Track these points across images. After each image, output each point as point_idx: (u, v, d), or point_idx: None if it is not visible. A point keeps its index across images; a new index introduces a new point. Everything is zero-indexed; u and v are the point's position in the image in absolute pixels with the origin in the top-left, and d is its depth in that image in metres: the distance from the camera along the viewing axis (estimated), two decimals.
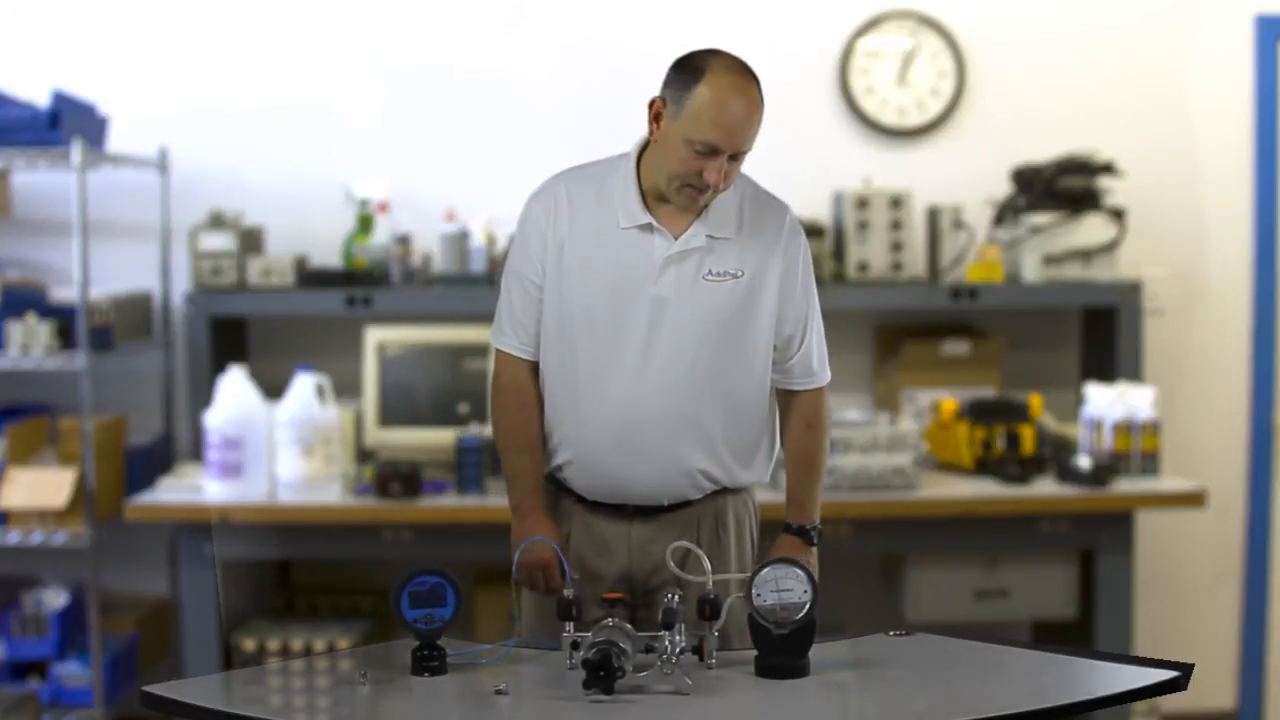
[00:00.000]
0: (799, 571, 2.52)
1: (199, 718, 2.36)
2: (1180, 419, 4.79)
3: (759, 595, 2.51)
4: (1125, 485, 4.35)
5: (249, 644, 4.41)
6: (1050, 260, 4.65)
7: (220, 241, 4.56)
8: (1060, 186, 4.63)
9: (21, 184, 4.79)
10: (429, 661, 2.51)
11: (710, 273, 2.84)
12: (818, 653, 2.53)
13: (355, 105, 4.82)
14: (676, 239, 2.83)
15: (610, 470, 2.88)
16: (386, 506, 4.23)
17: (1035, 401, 4.53)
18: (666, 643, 2.45)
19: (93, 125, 4.55)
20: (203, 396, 4.46)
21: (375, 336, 4.56)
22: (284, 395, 4.31)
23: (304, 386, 4.29)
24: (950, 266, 4.71)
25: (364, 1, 4.86)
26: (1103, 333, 4.74)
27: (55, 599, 4.56)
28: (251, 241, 4.67)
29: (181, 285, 4.74)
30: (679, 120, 2.73)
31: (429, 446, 4.45)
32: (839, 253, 4.69)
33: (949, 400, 4.56)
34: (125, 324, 4.58)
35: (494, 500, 4.14)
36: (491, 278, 4.49)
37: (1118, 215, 4.65)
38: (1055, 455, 4.47)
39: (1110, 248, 4.65)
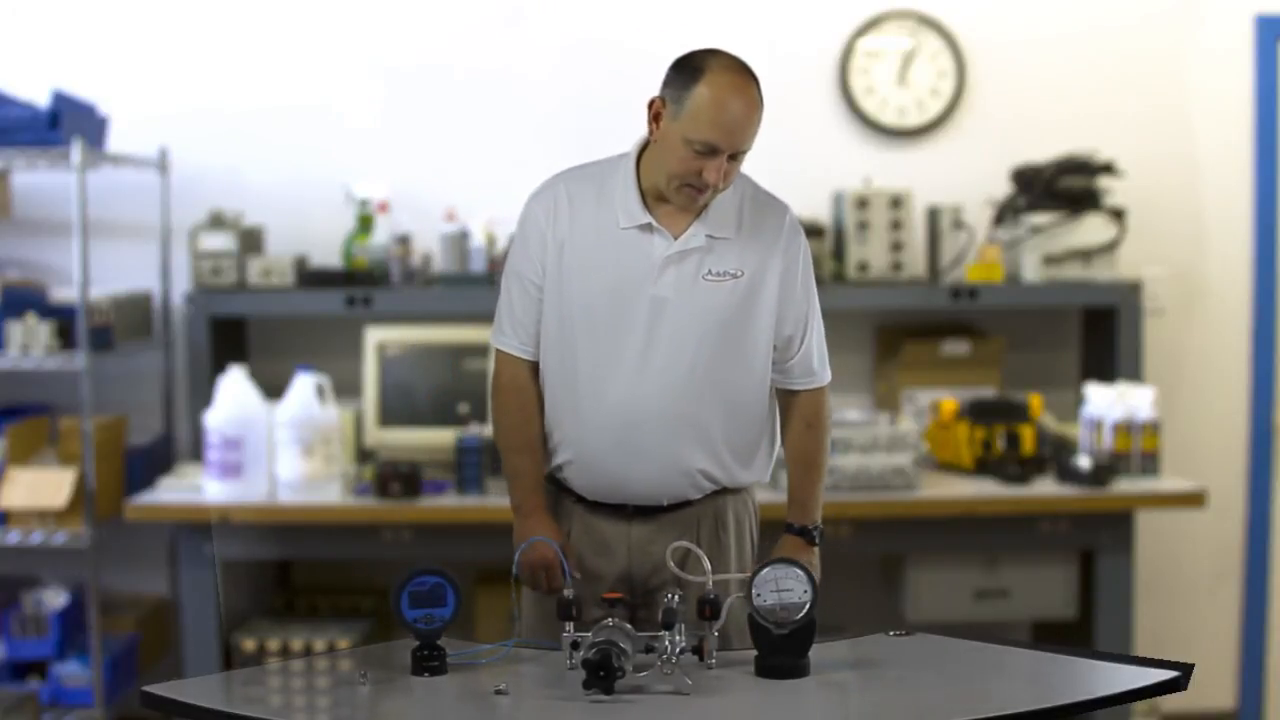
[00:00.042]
0: (799, 571, 2.51)
1: (199, 718, 2.36)
2: (1180, 419, 4.79)
3: (759, 595, 2.50)
4: (1125, 485, 4.34)
5: (249, 644, 4.41)
6: (1050, 260, 4.64)
7: (220, 241, 4.56)
8: (1060, 186, 4.63)
9: (21, 184, 4.79)
10: (429, 661, 2.50)
11: (710, 273, 2.84)
12: (818, 653, 2.53)
13: (355, 105, 4.82)
14: (676, 239, 2.83)
15: (610, 470, 2.88)
16: (386, 506, 4.23)
17: (1035, 401, 4.53)
18: (666, 643, 2.45)
19: (93, 125, 4.55)
20: (203, 396, 4.46)
21: (375, 336, 4.56)
22: (284, 395, 4.31)
23: (304, 386, 4.29)
24: (950, 266, 4.71)
25: (364, 1, 4.86)
26: (1103, 333, 4.74)
27: (55, 599, 4.56)
28: (251, 241, 4.67)
29: (181, 285, 4.74)
30: (678, 120, 2.73)
31: (429, 446, 4.45)
32: (839, 253, 4.69)
33: (949, 400, 4.56)
34: (125, 324, 4.57)
35: (494, 500, 4.14)
36: (491, 278, 4.49)
37: (1118, 215, 4.65)
38: (1055, 455, 4.47)
39: (1110, 248, 4.65)
